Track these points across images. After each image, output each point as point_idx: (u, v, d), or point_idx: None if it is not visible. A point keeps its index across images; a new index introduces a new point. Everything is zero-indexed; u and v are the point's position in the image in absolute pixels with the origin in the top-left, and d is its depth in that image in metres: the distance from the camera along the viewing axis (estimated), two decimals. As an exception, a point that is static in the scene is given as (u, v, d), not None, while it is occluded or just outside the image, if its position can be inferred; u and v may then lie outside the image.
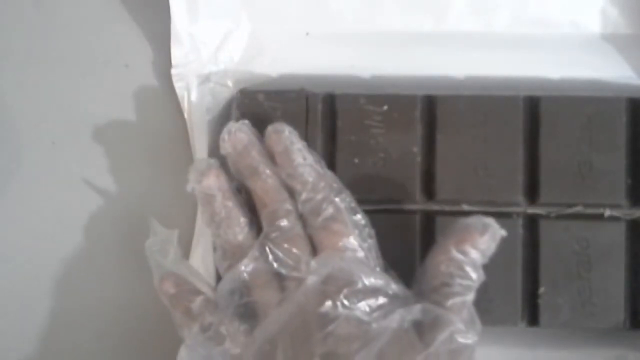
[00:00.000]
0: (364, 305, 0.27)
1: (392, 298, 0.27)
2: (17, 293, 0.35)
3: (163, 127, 0.35)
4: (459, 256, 0.27)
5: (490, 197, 0.32)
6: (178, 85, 0.34)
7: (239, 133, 0.30)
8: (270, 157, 0.30)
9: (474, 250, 0.27)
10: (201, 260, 0.33)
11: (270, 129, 0.30)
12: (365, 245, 0.29)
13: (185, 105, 0.34)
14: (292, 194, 0.29)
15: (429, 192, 0.32)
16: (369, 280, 0.27)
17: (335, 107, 0.32)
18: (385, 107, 0.32)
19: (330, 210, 0.29)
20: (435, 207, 0.32)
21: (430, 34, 0.34)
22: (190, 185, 0.30)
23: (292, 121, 0.32)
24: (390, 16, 0.34)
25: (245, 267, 0.29)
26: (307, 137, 0.32)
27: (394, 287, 0.28)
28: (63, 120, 0.36)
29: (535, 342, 0.33)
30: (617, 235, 0.31)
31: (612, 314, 0.31)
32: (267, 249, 0.29)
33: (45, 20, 0.36)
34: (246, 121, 0.30)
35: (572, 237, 0.31)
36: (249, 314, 0.29)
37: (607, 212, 0.31)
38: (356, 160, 0.32)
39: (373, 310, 0.27)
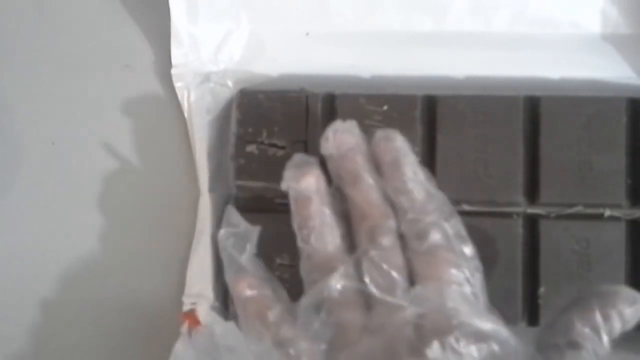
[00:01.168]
0: (474, 351, 0.23)
1: (504, 346, 0.24)
2: (17, 293, 0.35)
3: (163, 127, 0.35)
4: (600, 319, 0.24)
5: (490, 197, 0.32)
6: (178, 85, 0.34)
7: (346, 134, 0.28)
8: (377, 166, 0.28)
9: (618, 318, 0.24)
10: (200, 263, 0.33)
11: (380, 134, 0.28)
12: (473, 280, 0.26)
13: (185, 105, 0.34)
14: (395, 210, 0.27)
15: (429, 192, 0.32)
16: (479, 323, 0.24)
17: (335, 107, 0.32)
18: (385, 107, 0.32)
19: (437, 236, 0.26)
20: (435, 207, 0.32)
21: (430, 34, 0.34)
22: (285, 183, 0.28)
23: (292, 121, 0.32)
24: (390, 16, 0.34)
25: (336, 283, 0.26)
26: (307, 137, 0.32)
27: (504, 333, 0.24)
28: (63, 120, 0.36)
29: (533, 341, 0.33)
30: (617, 235, 0.31)
31: (612, 314, 0.31)
32: (364, 267, 0.26)
33: (46, 20, 0.36)
34: (354, 122, 0.28)
35: (572, 237, 0.31)
36: (328, 333, 0.26)
37: (607, 212, 0.31)
38: (356, 160, 0.32)
39: (483, 359, 0.23)
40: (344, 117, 0.32)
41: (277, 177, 0.32)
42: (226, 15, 0.34)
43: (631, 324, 0.24)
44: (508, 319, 0.31)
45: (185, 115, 0.34)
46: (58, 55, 0.36)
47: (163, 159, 0.35)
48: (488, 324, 0.24)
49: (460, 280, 0.25)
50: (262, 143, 0.32)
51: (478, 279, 0.26)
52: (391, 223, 0.27)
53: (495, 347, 0.24)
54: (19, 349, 0.35)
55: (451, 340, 0.23)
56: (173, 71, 0.34)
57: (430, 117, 0.32)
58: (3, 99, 0.36)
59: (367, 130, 0.32)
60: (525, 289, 0.31)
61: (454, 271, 0.25)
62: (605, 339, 0.24)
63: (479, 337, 0.24)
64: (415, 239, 0.26)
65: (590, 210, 0.31)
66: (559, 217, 0.32)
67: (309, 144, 0.32)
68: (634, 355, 0.33)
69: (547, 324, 0.25)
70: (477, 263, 0.27)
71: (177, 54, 0.34)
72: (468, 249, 0.26)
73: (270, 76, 0.34)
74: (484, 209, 0.32)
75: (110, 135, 0.35)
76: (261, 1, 0.34)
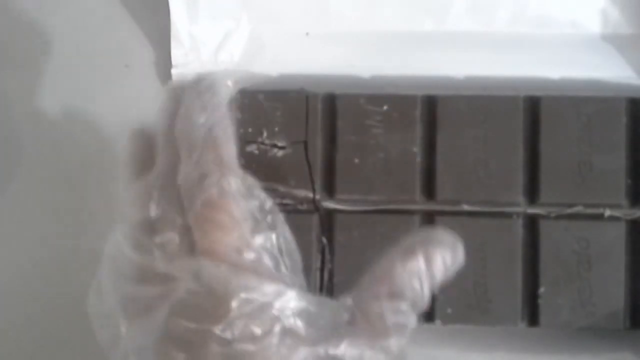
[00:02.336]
0: (252, 330, 0.20)
1: (298, 317, 0.21)
2: (17, 293, 0.35)
3: (163, 127, 0.35)
4: (422, 265, 0.22)
5: (490, 197, 0.32)
6: (178, 85, 0.34)
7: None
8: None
9: (441, 264, 0.22)
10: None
11: (189, 84, 0.24)
12: (260, 241, 0.22)
13: (185, 105, 0.34)
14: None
15: (429, 192, 0.32)
16: (259, 292, 0.20)
17: (335, 107, 0.32)
18: (385, 107, 0.32)
19: (210, 191, 0.22)
20: (435, 207, 0.32)
21: (430, 34, 0.34)
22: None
23: (292, 121, 0.32)
24: (390, 16, 0.34)
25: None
26: (307, 137, 0.32)
27: (296, 298, 0.21)
28: (63, 120, 0.36)
29: (534, 343, 0.33)
30: (617, 235, 0.31)
31: (612, 314, 0.31)
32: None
33: (46, 20, 0.36)
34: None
35: (572, 237, 0.31)
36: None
37: (607, 212, 0.31)
38: (356, 160, 0.32)
39: (269, 334, 0.20)
40: (344, 117, 0.32)
41: (277, 177, 0.32)
42: (226, 15, 0.34)
43: (451, 271, 0.22)
44: (508, 319, 0.31)
45: (185, 115, 0.34)
46: (58, 56, 0.36)
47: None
48: (271, 287, 0.21)
49: (239, 247, 0.21)
50: (262, 143, 0.32)
51: (274, 237, 0.22)
52: (166, 181, 0.23)
53: (277, 324, 0.20)
54: (17, 351, 0.35)
55: (217, 329, 0.20)
56: (173, 71, 0.34)
57: (430, 117, 0.32)
58: (3, 99, 0.36)
59: (367, 130, 0.32)
60: (525, 289, 0.31)
61: (227, 238, 0.21)
62: (426, 288, 0.22)
63: (256, 310, 0.20)
64: (189, 198, 0.22)
65: (590, 210, 0.31)
66: (559, 217, 0.32)
67: (309, 144, 0.32)
68: (634, 355, 0.33)
69: (367, 271, 0.22)
70: (273, 218, 0.23)
71: (177, 54, 0.34)
72: (257, 203, 0.23)
73: (270, 76, 0.34)
74: (484, 209, 0.32)
75: (110, 135, 0.35)
76: (261, 1, 0.34)
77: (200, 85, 0.23)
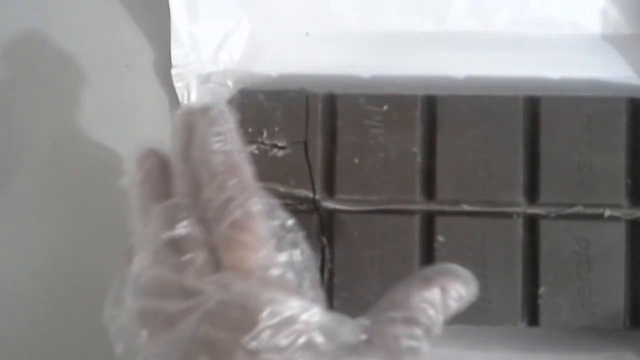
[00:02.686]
0: (277, 341, 0.21)
1: (320, 331, 0.21)
2: (17, 293, 0.35)
3: (163, 127, 0.35)
4: (438, 296, 0.23)
5: (490, 197, 0.32)
6: (178, 85, 0.34)
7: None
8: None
9: (455, 296, 0.23)
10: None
11: (195, 108, 0.25)
12: (284, 258, 0.23)
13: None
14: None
15: (429, 192, 0.32)
16: (285, 306, 0.21)
17: (335, 107, 0.32)
18: (385, 107, 0.32)
19: (236, 214, 0.23)
20: (435, 207, 0.32)
21: (430, 34, 0.34)
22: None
23: (292, 121, 0.32)
24: (390, 16, 0.34)
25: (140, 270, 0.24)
26: (307, 137, 0.32)
27: (319, 314, 0.22)
28: (63, 120, 0.36)
29: (534, 343, 0.33)
30: (617, 235, 0.31)
31: (612, 314, 0.31)
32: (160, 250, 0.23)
33: (46, 20, 0.36)
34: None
35: (572, 237, 0.31)
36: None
37: (607, 212, 0.31)
38: (356, 160, 0.32)
39: (292, 347, 0.21)
40: (344, 117, 0.32)
41: (277, 177, 0.32)
42: (226, 15, 0.34)
43: (464, 302, 0.24)
44: (508, 319, 0.31)
45: (186, 115, 0.34)
46: (58, 56, 0.36)
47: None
48: (297, 303, 0.22)
49: (265, 264, 0.23)
50: (262, 143, 0.32)
51: (295, 254, 0.24)
52: (191, 203, 0.24)
53: (304, 337, 0.21)
54: (16, 351, 0.35)
55: (244, 340, 0.21)
56: (173, 71, 0.34)
57: (430, 117, 0.32)
58: (3, 99, 0.36)
59: (367, 130, 0.32)
60: (525, 289, 0.31)
61: (255, 255, 0.23)
62: (440, 317, 0.23)
63: (283, 324, 0.21)
64: (215, 221, 0.23)
65: (590, 210, 0.31)
66: (559, 217, 0.32)
67: (309, 144, 0.32)
68: (634, 355, 0.33)
69: (385, 296, 0.23)
70: (295, 236, 0.24)
71: (177, 54, 0.34)
72: (279, 222, 0.24)
73: (270, 76, 0.34)
74: (484, 209, 0.32)
75: (110, 135, 0.35)
76: (261, 1, 0.34)
77: (212, 113, 0.24)
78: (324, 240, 0.32)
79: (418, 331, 0.23)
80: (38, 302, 0.35)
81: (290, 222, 0.24)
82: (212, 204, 0.23)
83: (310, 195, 0.32)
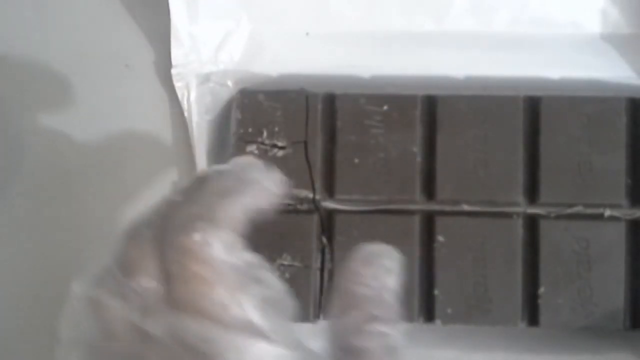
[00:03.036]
0: None
1: None
2: (16, 294, 0.35)
3: (163, 127, 0.35)
4: (373, 282, 0.21)
5: (490, 197, 0.32)
6: (178, 85, 0.34)
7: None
8: None
9: (385, 272, 0.22)
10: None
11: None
12: (247, 295, 0.20)
13: (185, 105, 0.34)
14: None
15: (429, 192, 0.32)
16: (249, 354, 0.19)
17: (335, 107, 0.32)
18: (385, 107, 0.32)
19: (195, 241, 0.21)
20: (435, 207, 0.32)
21: (430, 34, 0.34)
22: None
23: (292, 121, 0.32)
24: (390, 16, 0.34)
25: None
26: (307, 137, 0.32)
27: (289, 355, 0.20)
28: (63, 120, 0.36)
29: (534, 343, 0.33)
30: (617, 235, 0.31)
31: (612, 314, 0.31)
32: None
33: (45, 20, 0.36)
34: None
35: (572, 237, 0.31)
36: None
37: (607, 212, 0.31)
38: (356, 160, 0.32)
39: None
40: (344, 117, 0.32)
41: (277, 177, 0.32)
42: (226, 15, 0.34)
43: (398, 272, 0.22)
44: (508, 319, 0.31)
45: (185, 115, 0.34)
46: (58, 56, 0.36)
47: (163, 159, 0.35)
48: (261, 346, 0.20)
49: (224, 303, 0.20)
50: (262, 143, 0.32)
51: (263, 289, 0.21)
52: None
53: None
54: (16, 352, 0.35)
55: None
56: (173, 71, 0.34)
57: (430, 117, 0.32)
58: (3, 99, 0.36)
59: (367, 130, 0.32)
60: (525, 289, 0.31)
61: (212, 292, 0.20)
62: (388, 299, 0.21)
63: None
64: (168, 244, 0.21)
65: (590, 210, 0.31)
66: (559, 217, 0.32)
67: (309, 144, 0.32)
68: (634, 355, 0.33)
69: (331, 306, 0.22)
70: (259, 270, 0.22)
71: (177, 54, 0.34)
72: (243, 257, 0.21)
73: (270, 76, 0.34)
74: (484, 209, 0.32)
75: (110, 135, 0.35)
76: (261, 1, 0.34)
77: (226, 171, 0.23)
78: (324, 240, 0.32)
79: (382, 327, 0.21)
80: (38, 303, 0.35)
81: (256, 259, 0.22)
82: (174, 222, 0.21)
83: (310, 195, 0.32)
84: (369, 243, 0.22)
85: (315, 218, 0.32)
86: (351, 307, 0.21)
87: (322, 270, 0.32)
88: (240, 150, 0.33)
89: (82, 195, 0.35)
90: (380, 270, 0.22)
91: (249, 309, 0.20)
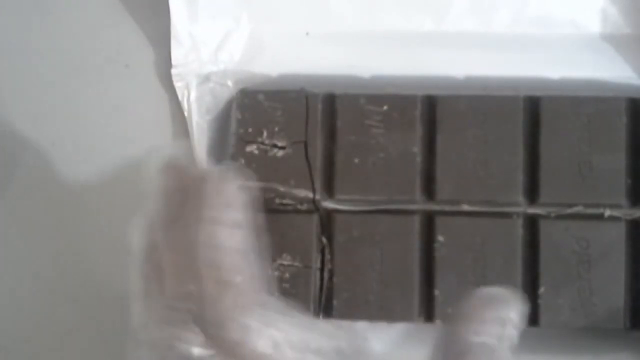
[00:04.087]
0: None
1: None
2: (16, 294, 0.35)
3: (163, 127, 0.35)
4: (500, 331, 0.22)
5: (490, 197, 0.32)
6: (178, 85, 0.34)
7: None
8: None
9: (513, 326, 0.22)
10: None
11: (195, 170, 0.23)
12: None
13: (185, 105, 0.34)
14: None
15: (429, 192, 0.32)
16: None
17: (335, 107, 0.32)
18: (385, 107, 0.32)
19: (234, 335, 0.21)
20: (435, 207, 0.32)
21: (430, 34, 0.34)
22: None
23: (292, 121, 0.32)
24: (390, 16, 0.34)
25: None
26: (307, 137, 0.32)
27: None
28: (63, 120, 0.36)
29: (534, 343, 0.33)
30: (617, 235, 0.31)
31: (612, 314, 0.31)
32: None
33: (46, 20, 0.36)
34: None
35: (572, 237, 0.31)
36: None
37: (607, 212, 0.31)
38: (356, 160, 0.32)
39: None
40: (344, 117, 0.32)
41: (277, 177, 0.32)
42: (226, 15, 0.34)
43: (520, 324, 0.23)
44: (508, 319, 0.31)
45: (185, 115, 0.34)
46: (58, 55, 0.36)
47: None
48: None
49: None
50: (262, 143, 0.32)
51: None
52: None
53: None
54: (15, 352, 0.35)
55: None
56: (173, 71, 0.34)
57: (430, 117, 0.32)
58: (2, 99, 0.36)
59: (367, 130, 0.32)
60: (525, 289, 0.31)
61: None
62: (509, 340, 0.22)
63: None
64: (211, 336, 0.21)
65: (590, 210, 0.31)
66: (559, 217, 0.32)
67: (309, 144, 0.32)
68: (634, 355, 0.33)
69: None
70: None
71: (177, 54, 0.34)
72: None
73: (270, 76, 0.34)
74: (484, 209, 0.32)
75: (110, 136, 0.35)
76: (261, 1, 0.34)
77: (226, 189, 0.23)
78: (324, 240, 0.32)
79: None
80: (38, 303, 0.35)
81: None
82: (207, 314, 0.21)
83: (310, 195, 0.32)
84: (488, 287, 0.23)
85: (315, 218, 0.32)
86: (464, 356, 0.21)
87: (322, 270, 0.32)
88: (240, 150, 0.33)
89: (81, 195, 0.35)
90: (500, 320, 0.22)
91: None
